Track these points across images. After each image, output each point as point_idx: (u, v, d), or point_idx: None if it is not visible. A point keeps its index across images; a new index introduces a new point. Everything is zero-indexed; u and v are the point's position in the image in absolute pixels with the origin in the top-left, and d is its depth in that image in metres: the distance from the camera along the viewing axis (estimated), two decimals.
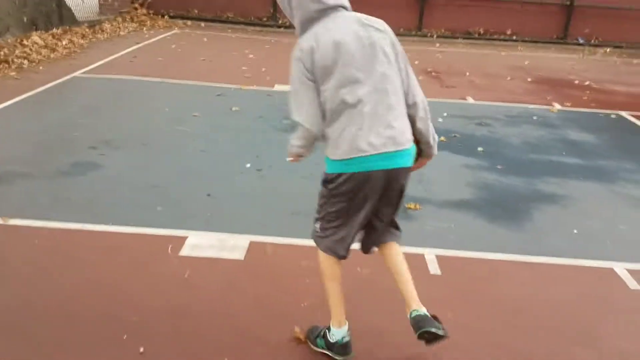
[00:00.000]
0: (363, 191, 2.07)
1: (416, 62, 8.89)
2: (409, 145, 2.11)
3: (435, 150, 2.30)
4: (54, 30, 8.55)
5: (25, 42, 7.65)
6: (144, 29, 10.43)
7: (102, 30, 9.58)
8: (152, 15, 11.33)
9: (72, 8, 9.77)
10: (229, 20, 11.66)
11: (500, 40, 11.57)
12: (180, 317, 2.49)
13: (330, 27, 2.06)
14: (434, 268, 3.03)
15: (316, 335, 2.33)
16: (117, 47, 8.51)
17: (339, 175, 2.08)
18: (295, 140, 2.14)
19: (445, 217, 3.65)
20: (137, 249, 3.04)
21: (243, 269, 2.91)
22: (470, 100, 6.76)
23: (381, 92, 2.03)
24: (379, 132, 2.01)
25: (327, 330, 2.28)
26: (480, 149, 5.00)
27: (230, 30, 10.97)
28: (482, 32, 11.73)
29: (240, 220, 3.44)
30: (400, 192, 2.21)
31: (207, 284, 2.76)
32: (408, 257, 3.08)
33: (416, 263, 3.05)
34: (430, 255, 3.14)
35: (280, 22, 11.64)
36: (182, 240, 3.12)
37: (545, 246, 3.33)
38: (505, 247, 3.31)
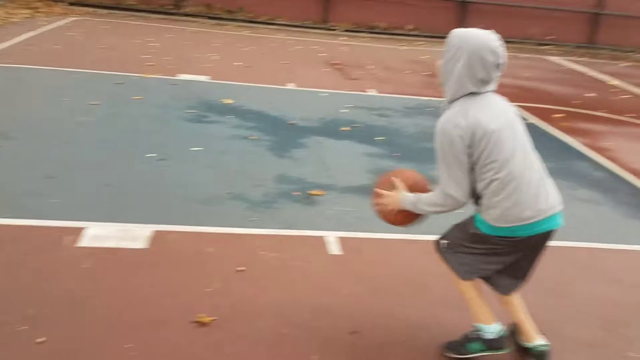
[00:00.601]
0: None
1: (322, 55, 9.14)
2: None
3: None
4: None
5: None
6: (40, 15, 9.81)
7: None
8: (47, 1, 10.69)
9: None
10: (130, 7, 11.25)
11: (401, 35, 12.10)
12: (80, 306, 2.47)
13: None
14: (335, 249, 3.21)
15: (464, 342, 2.37)
16: (10, 34, 7.98)
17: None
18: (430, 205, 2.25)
19: (347, 202, 3.84)
20: (32, 241, 2.95)
21: (146, 258, 2.92)
22: (372, 92, 7.06)
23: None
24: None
25: (477, 332, 2.34)
26: (380, 138, 5.27)
27: (132, 18, 10.60)
28: (385, 26, 12.21)
29: (143, 210, 3.43)
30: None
31: (109, 273, 2.74)
32: (311, 240, 3.27)
33: (319, 245, 3.22)
34: (332, 237, 3.31)
35: (184, 10, 11.44)
36: (79, 231, 3.06)
37: (433, 225, 3.61)
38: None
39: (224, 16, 11.57)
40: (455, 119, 2.12)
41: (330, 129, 5.38)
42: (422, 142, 5.29)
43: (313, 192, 3.90)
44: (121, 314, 2.46)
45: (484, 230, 2.20)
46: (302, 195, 3.85)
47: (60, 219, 3.19)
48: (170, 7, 11.51)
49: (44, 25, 8.99)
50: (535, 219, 2.13)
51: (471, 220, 2.28)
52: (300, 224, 3.46)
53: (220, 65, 7.62)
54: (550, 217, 2.18)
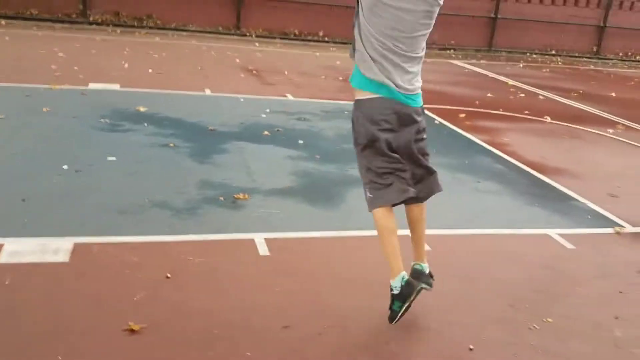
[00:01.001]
0: None
1: (237, 61, 9.17)
2: None
3: None
4: None
5: None
6: None
7: None
8: None
9: None
10: (33, 17, 10.68)
11: (314, 41, 12.37)
12: (4, 321, 2.39)
13: None
14: (263, 250, 3.28)
15: (391, 306, 2.58)
16: None
17: None
18: None
19: (271, 204, 3.93)
20: None
21: (69, 270, 2.86)
22: (290, 97, 7.20)
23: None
24: None
25: (391, 291, 2.56)
26: (300, 141, 5.41)
27: (35, 28, 10.07)
28: (297, 32, 12.43)
29: (62, 222, 3.33)
30: None
31: (32, 288, 2.66)
32: (238, 243, 3.34)
33: (246, 247, 3.29)
34: (259, 238, 3.39)
35: (91, 18, 11.03)
36: None
37: (354, 221, 3.80)
38: (323, 225, 3.72)
39: (133, 24, 11.28)
40: None
41: (251, 134, 5.45)
42: (341, 143, 5.49)
43: (237, 196, 3.95)
44: (48, 326, 2.40)
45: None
46: (227, 199, 3.90)
47: None
48: (75, 15, 11.05)
49: None
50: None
51: None
52: (226, 228, 3.50)
53: (132, 72, 7.45)
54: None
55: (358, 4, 2.45)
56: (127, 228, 3.36)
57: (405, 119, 2.50)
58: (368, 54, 2.43)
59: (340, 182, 4.53)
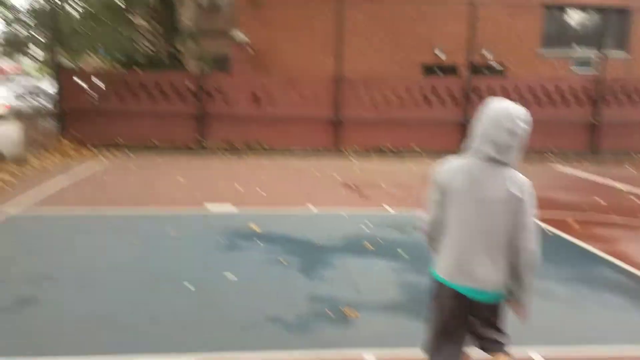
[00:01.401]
0: None
1: (337, 177, 9.67)
2: None
3: None
4: None
5: None
6: (72, 160, 10.60)
7: (31, 165, 9.67)
8: (77, 146, 11.59)
9: None
10: (155, 146, 12.13)
11: (407, 153, 12.81)
12: None
13: None
14: None
15: None
16: (46, 180, 8.60)
17: None
18: None
19: (380, 319, 3.97)
20: None
21: None
22: (388, 209, 7.41)
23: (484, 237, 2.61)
24: None
25: None
26: (403, 253, 5.50)
27: (157, 157, 11.39)
28: (391, 147, 12.95)
29: (186, 339, 3.58)
30: None
31: None
32: (348, 358, 3.39)
33: None
34: (369, 355, 3.42)
35: (207, 146, 12.31)
36: None
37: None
38: None
39: (243, 149, 12.41)
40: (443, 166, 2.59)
41: (354, 247, 5.64)
42: None
43: (346, 310, 4.06)
44: None
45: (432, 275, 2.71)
46: (335, 314, 4.01)
47: (112, 353, 3.36)
48: (193, 143, 12.39)
49: (76, 170, 9.69)
50: (452, 278, 2.56)
51: None
52: (337, 343, 3.58)
53: (244, 193, 8.11)
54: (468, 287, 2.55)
55: None
56: (247, 343, 3.54)
57: None
58: None
59: None
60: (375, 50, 16.46)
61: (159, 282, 4.61)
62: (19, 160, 9.80)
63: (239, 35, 13.95)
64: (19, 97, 24.46)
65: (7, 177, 8.57)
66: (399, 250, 5.57)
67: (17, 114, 12.12)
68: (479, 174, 2.46)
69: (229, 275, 4.74)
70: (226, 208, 7.18)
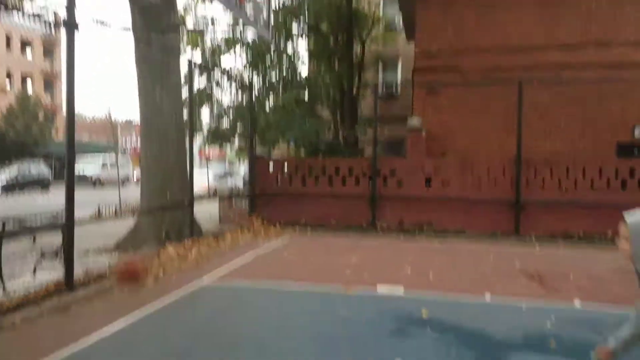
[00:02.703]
0: None
1: (517, 264, 9.06)
2: None
3: None
4: (185, 242, 9.84)
5: (161, 254, 8.87)
6: (259, 238, 11.63)
7: (224, 240, 10.84)
8: (265, 224, 12.70)
9: (199, 221, 11.32)
10: (332, 225, 12.75)
11: (601, 241, 11.50)
12: None
13: None
14: None
15: None
16: (236, 255, 9.54)
17: None
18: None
19: None
20: None
21: None
22: (577, 304, 6.68)
23: None
24: None
25: None
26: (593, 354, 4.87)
27: (333, 236, 11.93)
28: (582, 234, 11.78)
29: None
30: None
31: None
32: None
33: None
34: None
35: (379, 227, 12.55)
36: None
37: None
38: None
39: (414, 230, 12.39)
40: None
41: (536, 345, 5.16)
42: None
43: None
44: None
45: None
46: None
47: None
48: (366, 225, 12.77)
49: (264, 246, 10.58)
50: None
51: None
52: None
53: (414, 276, 8.02)
54: None
55: None
56: None
57: None
58: None
59: None
60: (561, 131, 15.56)
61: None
62: (216, 236, 11.05)
63: (414, 120, 14.36)
64: (219, 179, 27.97)
65: (206, 250, 9.70)
66: (591, 352, 4.94)
67: (216, 194, 13.86)
68: None
69: None
70: (396, 291, 7.16)
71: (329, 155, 15.16)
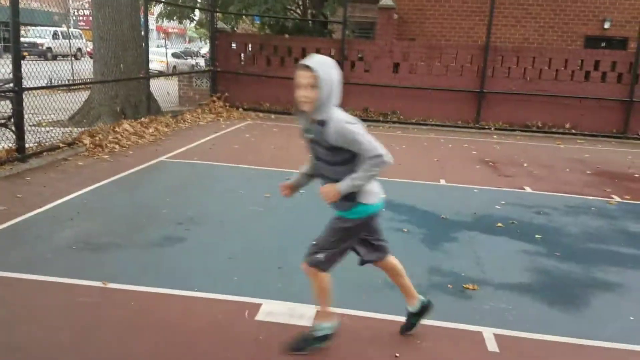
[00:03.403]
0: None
1: (474, 152, 9.25)
2: None
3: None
4: (142, 119, 9.56)
5: (117, 128, 8.62)
6: (221, 119, 11.41)
7: (184, 120, 10.60)
8: (227, 107, 12.41)
9: (157, 99, 10.93)
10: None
11: (558, 133, 11.79)
12: None
13: None
14: (491, 345, 3.18)
15: (307, 341, 2.97)
16: (197, 135, 9.38)
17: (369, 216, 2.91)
18: (367, 175, 2.74)
19: (502, 299, 3.80)
20: (216, 313, 3.38)
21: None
22: (528, 189, 6.95)
23: None
24: None
25: (316, 331, 2.97)
26: (537, 236, 5.14)
27: (296, 122, 11.80)
28: (540, 125, 12.02)
29: (306, 290, 3.73)
30: None
31: (279, 346, 3.04)
32: (465, 334, 3.29)
33: (474, 340, 3.23)
34: (488, 333, 3.30)
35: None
36: (257, 306, 3.45)
37: (601, 331, 3.42)
38: (562, 330, 3.42)
39: (378, 119, 12.35)
40: (343, 117, 2.69)
41: (484, 225, 5.40)
42: (586, 242, 5.06)
43: (467, 286, 3.93)
44: None
45: (359, 216, 2.87)
46: (455, 288, 3.90)
47: (240, 294, 3.62)
48: None
49: (224, 127, 10.41)
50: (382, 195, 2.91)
51: (340, 219, 2.90)
52: (455, 317, 3.49)
53: None
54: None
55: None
56: (368, 305, 3.59)
57: None
58: None
59: (584, 284, 4.14)
60: (532, 19, 15.27)
61: (287, 234, 4.84)
62: (175, 115, 10.76)
63: (387, 1, 13.74)
64: (177, 56, 26.81)
65: (163, 128, 9.48)
66: (534, 233, 5.22)
67: (175, 72, 13.33)
68: None
69: None
70: None
71: (296, 35, 14.52)
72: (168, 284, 3.71)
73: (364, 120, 12.10)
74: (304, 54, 12.69)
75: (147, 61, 10.11)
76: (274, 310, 3.42)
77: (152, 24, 30.03)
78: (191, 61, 26.93)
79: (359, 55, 12.59)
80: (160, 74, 15.58)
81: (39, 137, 7.49)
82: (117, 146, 7.89)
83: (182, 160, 7.53)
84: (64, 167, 6.69)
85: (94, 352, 2.89)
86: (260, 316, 3.35)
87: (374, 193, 2.89)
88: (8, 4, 6.46)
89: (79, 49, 30.76)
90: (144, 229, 4.79)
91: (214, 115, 11.73)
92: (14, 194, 5.46)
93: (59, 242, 4.34)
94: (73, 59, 17.94)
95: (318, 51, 12.63)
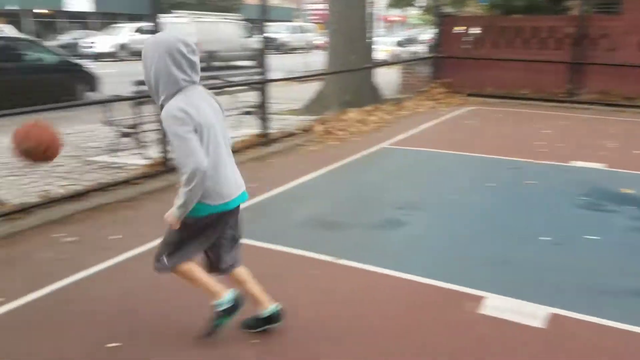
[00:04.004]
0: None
1: None
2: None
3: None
4: (366, 107, 9.98)
5: (344, 117, 9.16)
6: (442, 105, 11.30)
7: (404, 107, 10.76)
8: (448, 93, 12.21)
9: (380, 88, 11.30)
10: (522, 97, 11.76)
11: None
12: None
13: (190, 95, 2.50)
14: None
15: (212, 324, 2.82)
16: (418, 122, 9.45)
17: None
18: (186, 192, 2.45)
19: None
20: (435, 299, 3.39)
21: (542, 337, 2.97)
22: None
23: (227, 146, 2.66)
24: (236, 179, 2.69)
25: (217, 309, 2.77)
26: None
27: (523, 107, 11.06)
28: None
29: (538, 289, 3.49)
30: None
31: (505, 344, 2.91)
32: None
33: None
34: None
35: (578, 98, 11.26)
36: (477, 298, 3.35)
37: None
38: None
39: (622, 103, 10.86)
40: (181, 106, 2.42)
41: None
42: None
43: None
44: None
45: (198, 214, 2.56)
46: None
47: (461, 284, 3.56)
48: (562, 95, 11.51)
49: (444, 114, 10.27)
50: (233, 197, 2.63)
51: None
52: None
53: (618, 153, 7.17)
54: (240, 195, 2.69)
55: None
56: (606, 311, 3.23)
57: None
58: None
59: None
60: None
61: (512, 227, 4.60)
62: (396, 103, 10.99)
63: None
64: (400, 44, 27.25)
65: (385, 115, 9.76)
66: None
67: (397, 60, 13.57)
68: None
69: (590, 237, 4.35)
70: (595, 166, 6.50)
71: (527, 14, 13.50)
72: (388, 265, 3.83)
73: (603, 105, 10.84)
74: (534, 34, 11.79)
75: (371, 51, 10.50)
76: (501, 306, 3.28)
77: (377, 14, 31.09)
78: (412, 48, 27.16)
79: (602, 33, 11.17)
80: (384, 63, 16.07)
81: (278, 125, 8.37)
82: (344, 133, 8.39)
83: (403, 147, 7.67)
84: (299, 152, 7.37)
85: (326, 318, 3.15)
86: (485, 309, 3.24)
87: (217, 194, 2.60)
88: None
89: (311, 42, 33.39)
90: (368, 211, 5.02)
91: (434, 101, 11.65)
92: (260, 174, 6.22)
93: (296, 219, 4.82)
94: (304, 51, 19.54)
95: (552, 30, 11.61)
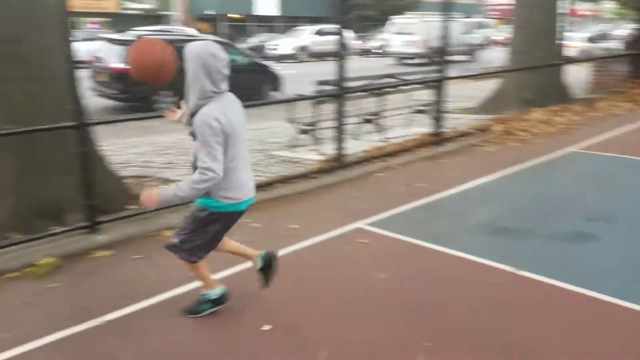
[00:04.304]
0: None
1: None
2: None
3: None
4: (553, 107, 9.19)
5: (526, 116, 8.55)
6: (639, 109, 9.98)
7: (596, 109, 9.70)
8: None
9: (570, 87, 10.34)
10: None
11: None
12: None
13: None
14: None
15: (197, 305, 3.17)
16: (613, 125, 8.46)
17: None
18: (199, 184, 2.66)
19: None
20: (627, 324, 2.99)
21: None
22: None
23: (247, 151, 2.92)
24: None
25: (205, 296, 3.15)
26: None
27: None
28: None
29: None
30: None
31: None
32: None
33: None
34: None
35: None
36: None
37: None
38: None
39: None
40: (217, 116, 2.64)
41: None
42: None
43: None
44: None
45: (218, 210, 2.85)
46: None
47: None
48: None
49: None
50: (250, 197, 2.94)
51: (201, 208, 2.88)
52: None
53: None
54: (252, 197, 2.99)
55: None
56: None
57: None
58: None
59: None
60: None
61: None
62: (587, 103, 9.95)
63: None
64: (592, 40, 24.64)
65: (573, 116, 8.89)
66: None
67: (588, 57, 12.26)
68: None
69: None
70: None
71: None
72: (578, 282, 3.47)
73: None
74: None
75: (560, 48, 9.66)
76: None
77: (565, 8, 28.61)
78: (604, 44, 24.43)
79: None
80: (574, 60, 14.69)
81: (451, 123, 8.11)
82: (526, 134, 7.83)
83: (595, 152, 6.91)
84: (474, 152, 7.05)
85: (490, 333, 2.95)
86: None
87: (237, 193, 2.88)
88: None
89: (489, 38, 31.74)
90: (552, 220, 4.61)
91: (632, 103, 10.31)
92: (432, 174, 6.08)
93: (470, 222, 4.61)
94: (482, 48, 18.73)
95: None
